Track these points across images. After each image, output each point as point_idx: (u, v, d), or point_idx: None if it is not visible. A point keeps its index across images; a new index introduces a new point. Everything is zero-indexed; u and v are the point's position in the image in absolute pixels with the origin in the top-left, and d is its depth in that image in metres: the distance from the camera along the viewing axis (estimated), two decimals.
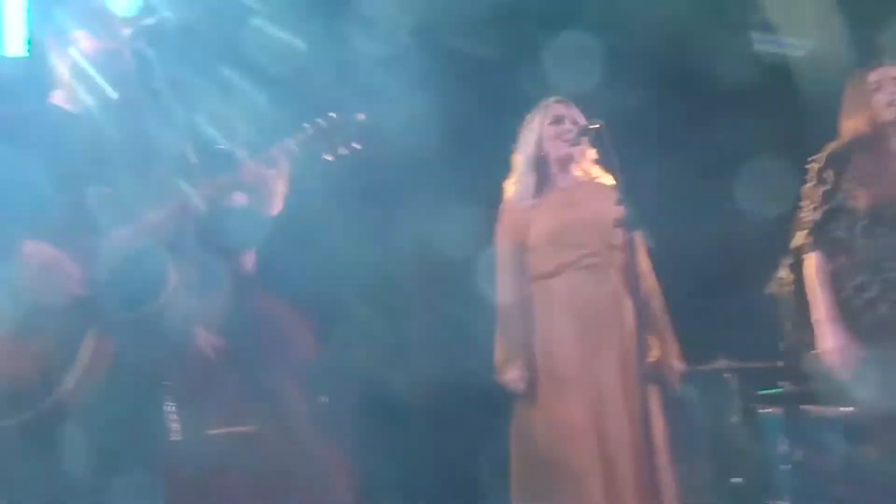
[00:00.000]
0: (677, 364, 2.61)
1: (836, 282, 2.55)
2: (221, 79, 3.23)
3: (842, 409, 3.31)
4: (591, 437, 2.41)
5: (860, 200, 2.50)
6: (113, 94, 1.66)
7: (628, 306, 2.46)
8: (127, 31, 1.61)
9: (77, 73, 1.68)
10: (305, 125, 1.73)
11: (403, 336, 4.02)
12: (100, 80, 1.65)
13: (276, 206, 1.73)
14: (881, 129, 2.54)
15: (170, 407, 1.63)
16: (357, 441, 3.39)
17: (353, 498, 2.86)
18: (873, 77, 2.57)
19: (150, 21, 1.56)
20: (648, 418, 2.17)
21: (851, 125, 2.60)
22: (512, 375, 2.55)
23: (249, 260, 2.40)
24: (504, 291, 2.64)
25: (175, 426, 1.59)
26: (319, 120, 1.71)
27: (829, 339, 2.51)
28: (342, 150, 1.70)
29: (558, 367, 2.50)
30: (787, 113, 3.80)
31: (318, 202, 3.14)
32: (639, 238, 2.29)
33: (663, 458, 2.44)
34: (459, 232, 3.17)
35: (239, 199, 1.69)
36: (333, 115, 1.71)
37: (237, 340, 2.54)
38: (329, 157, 1.72)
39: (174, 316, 1.54)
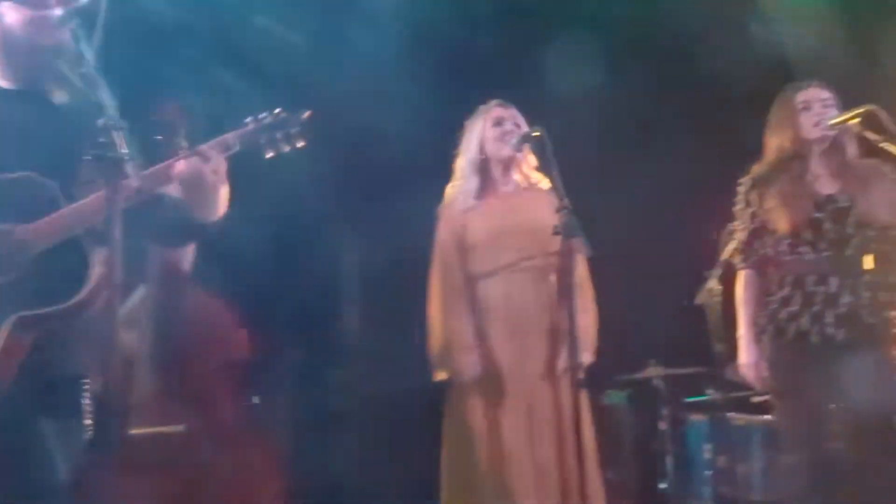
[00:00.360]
0: (587, 357, 2.62)
1: (763, 295, 2.67)
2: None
3: (764, 417, 3.44)
4: (521, 440, 2.43)
5: (782, 221, 2.60)
6: (49, 66, 1.60)
7: (562, 312, 2.49)
8: (59, 11, 1.55)
9: (5, 47, 1.62)
10: (247, 120, 1.69)
11: (343, 337, 4.00)
12: (26, 52, 1.59)
13: (218, 207, 1.66)
14: (805, 148, 2.63)
15: (89, 406, 1.57)
16: (292, 443, 3.35)
17: (283, 500, 2.81)
18: (801, 97, 2.65)
19: (82, 1, 1.50)
20: (578, 423, 2.20)
21: (776, 143, 2.68)
22: (467, 360, 2.54)
23: (185, 257, 2.33)
24: (450, 287, 2.65)
25: (92, 425, 1.53)
26: (262, 115, 1.67)
27: (745, 355, 2.68)
28: (284, 148, 1.67)
29: (490, 367, 2.52)
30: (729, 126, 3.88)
31: (264, 202, 3.09)
32: (577, 245, 2.33)
33: (592, 464, 2.48)
34: (407, 235, 3.16)
35: (172, 192, 1.63)
36: (278, 111, 1.68)
37: (165, 337, 2.48)
38: (271, 154, 1.68)
39: (98, 310, 1.48)
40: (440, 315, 2.63)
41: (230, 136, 1.64)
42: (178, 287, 2.52)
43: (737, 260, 2.76)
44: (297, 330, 3.80)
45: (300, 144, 1.68)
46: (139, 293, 2.56)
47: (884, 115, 2.43)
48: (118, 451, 1.55)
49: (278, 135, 1.65)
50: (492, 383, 2.52)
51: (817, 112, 2.61)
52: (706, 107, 4.06)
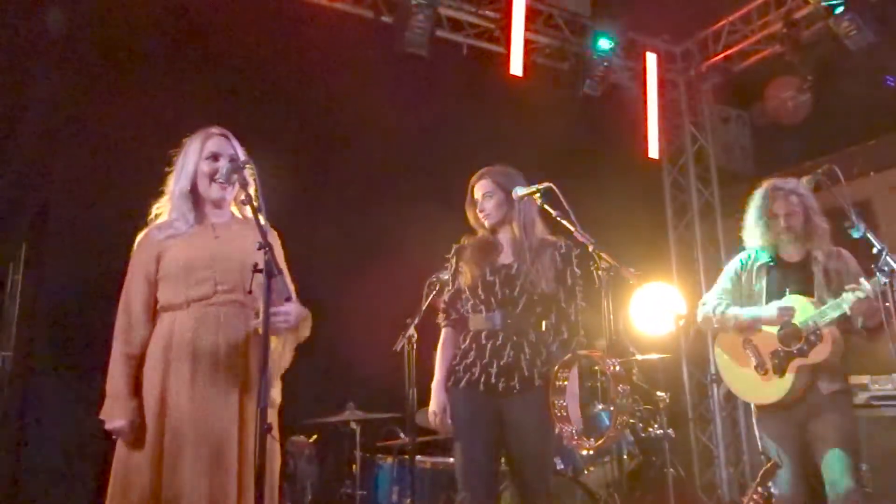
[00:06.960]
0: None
1: (455, 347, 2.98)
2: None
3: (448, 460, 3.65)
4: (199, 484, 2.27)
5: (465, 278, 2.97)
6: None
7: (257, 351, 2.41)
8: None
9: None
10: None
11: None
12: None
13: None
14: (483, 227, 3.06)
15: None
16: None
17: None
18: (477, 191, 3.05)
19: None
20: (262, 466, 2.12)
21: (472, 218, 3.09)
22: (117, 423, 2.36)
23: None
24: (130, 323, 2.45)
25: None
26: None
27: (433, 403, 2.95)
28: None
29: (172, 408, 2.34)
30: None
31: None
32: (277, 284, 2.28)
33: None
34: None
35: None
36: None
37: None
38: None
39: None
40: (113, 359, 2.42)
41: None
42: None
43: (440, 319, 3.07)
44: None
45: None
46: None
47: (557, 192, 2.81)
48: None
49: None
50: (167, 427, 2.33)
51: (482, 206, 3.02)
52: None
